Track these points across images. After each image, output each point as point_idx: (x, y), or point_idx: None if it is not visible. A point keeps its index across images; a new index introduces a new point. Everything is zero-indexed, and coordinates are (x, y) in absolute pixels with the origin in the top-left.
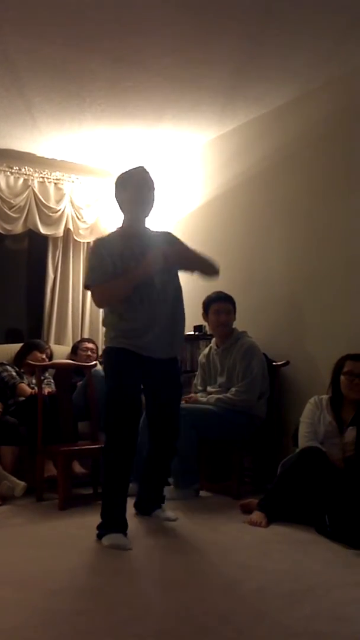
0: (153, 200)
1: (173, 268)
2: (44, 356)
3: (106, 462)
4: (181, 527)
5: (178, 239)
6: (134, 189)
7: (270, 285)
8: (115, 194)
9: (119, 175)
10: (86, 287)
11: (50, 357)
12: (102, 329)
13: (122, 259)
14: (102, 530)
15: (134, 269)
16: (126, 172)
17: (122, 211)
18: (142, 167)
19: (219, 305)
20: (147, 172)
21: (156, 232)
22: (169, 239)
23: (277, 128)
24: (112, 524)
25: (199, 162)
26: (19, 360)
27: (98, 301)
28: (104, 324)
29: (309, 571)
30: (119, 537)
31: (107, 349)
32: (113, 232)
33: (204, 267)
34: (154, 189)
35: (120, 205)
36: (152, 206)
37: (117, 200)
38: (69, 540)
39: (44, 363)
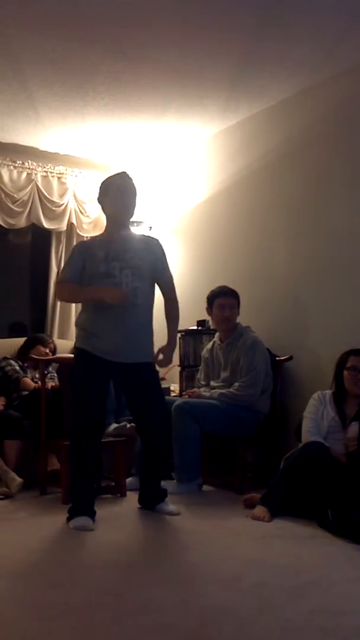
0: (133, 205)
1: (147, 275)
2: (47, 350)
3: (71, 453)
4: (184, 521)
5: (161, 252)
6: (115, 194)
7: (273, 280)
8: (98, 198)
9: (102, 180)
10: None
11: (54, 351)
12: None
13: (94, 261)
14: (71, 514)
15: (96, 289)
16: (108, 177)
17: (105, 215)
18: (125, 172)
19: (222, 300)
20: (129, 178)
21: (140, 236)
22: (150, 247)
23: (281, 122)
24: (79, 509)
25: (203, 157)
26: (22, 354)
27: (57, 296)
28: (75, 324)
29: (311, 566)
30: (83, 519)
31: (76, 349)
32: (95, 236)
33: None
34: (134, 194)
35: (102, 209)
36: (131, 211)
37: (99, 204)
38: (72, 533)
39: (48, 357)
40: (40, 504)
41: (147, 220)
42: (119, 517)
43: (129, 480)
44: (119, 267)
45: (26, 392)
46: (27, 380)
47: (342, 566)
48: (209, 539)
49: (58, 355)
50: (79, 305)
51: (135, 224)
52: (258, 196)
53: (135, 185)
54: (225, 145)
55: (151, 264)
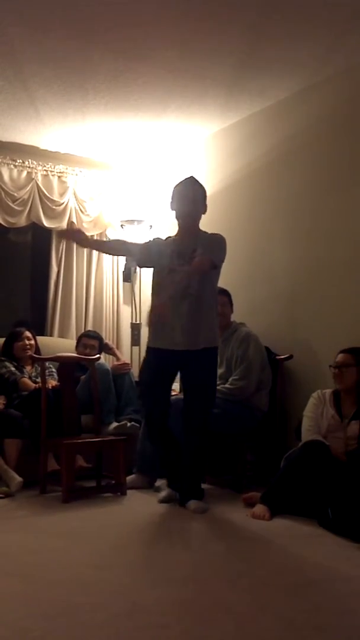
0: (195, 210)
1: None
2: (25, 342)
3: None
4: (183, 520)
5: (214, 242)
6: (177, 201)
7: (273, 279)
8: (170, 203)
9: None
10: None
11: (34, 338)
12: (105, 323)
13: (162, 256)
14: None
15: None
16: (177, 183)
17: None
18: (189, 178)
19: None
20: (192, 184)
21: (207, 235)
22: (209, 242)
23: (280, 121)
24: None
25: (202, 155)
26: (7, 354)
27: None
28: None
29: (312, 564)
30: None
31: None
32: (169, 236)
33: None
34: (196, 200)
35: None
36: (193, 216)
37: (170, 208)
38: (72, 532)
39: (48, 357)
40: (40, 503)
41: (147, 219)
42: (119, 516)
43: (129, 478)
44: (181, 264)
45: (26, 392)
46: (26, 380)
47: (342, 565)
48: (209, 537)
49: (59, 354)
50: (80, 304)
51: (136, 223)
52: (257, 195)
53: (199, 189)
54: (225, 144)
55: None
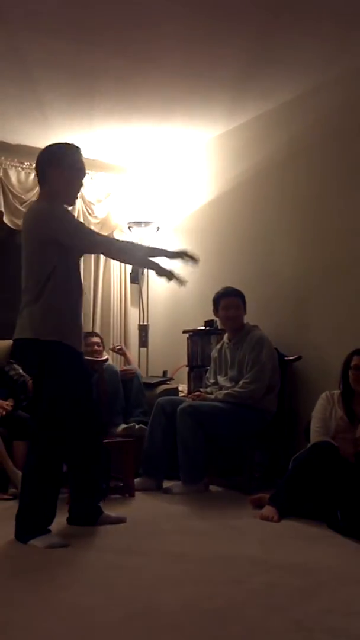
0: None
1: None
2: None
3: (49, 460)
4: (191, 521)
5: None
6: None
7: (279, 280)
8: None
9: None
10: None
11: None
12: (113, 325)
13: None
14: (38, 532)
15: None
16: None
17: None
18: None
19: (227, 301)
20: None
21: None
22: None
23: (286, 123)
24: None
25: (208, 158)
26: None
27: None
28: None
29: (321, 566)
30: (55, 537)
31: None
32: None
33: None
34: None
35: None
36: None
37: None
38: (81, 534)
39: None
40: None
41: (154, 220)
42: (128, 517)
43: (136, 481)
44: None
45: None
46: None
47: (351, 567)
48: (217, 539)
49: None
50: (87, 306)
51: (143, 224)
52: (263, 197)
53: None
54: (230, 146)
55: None
